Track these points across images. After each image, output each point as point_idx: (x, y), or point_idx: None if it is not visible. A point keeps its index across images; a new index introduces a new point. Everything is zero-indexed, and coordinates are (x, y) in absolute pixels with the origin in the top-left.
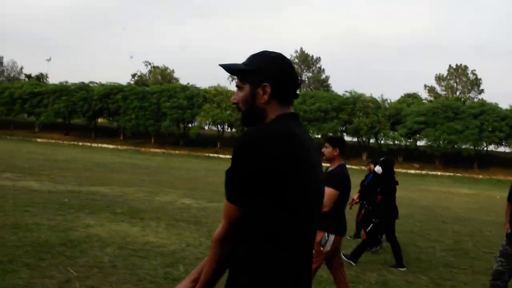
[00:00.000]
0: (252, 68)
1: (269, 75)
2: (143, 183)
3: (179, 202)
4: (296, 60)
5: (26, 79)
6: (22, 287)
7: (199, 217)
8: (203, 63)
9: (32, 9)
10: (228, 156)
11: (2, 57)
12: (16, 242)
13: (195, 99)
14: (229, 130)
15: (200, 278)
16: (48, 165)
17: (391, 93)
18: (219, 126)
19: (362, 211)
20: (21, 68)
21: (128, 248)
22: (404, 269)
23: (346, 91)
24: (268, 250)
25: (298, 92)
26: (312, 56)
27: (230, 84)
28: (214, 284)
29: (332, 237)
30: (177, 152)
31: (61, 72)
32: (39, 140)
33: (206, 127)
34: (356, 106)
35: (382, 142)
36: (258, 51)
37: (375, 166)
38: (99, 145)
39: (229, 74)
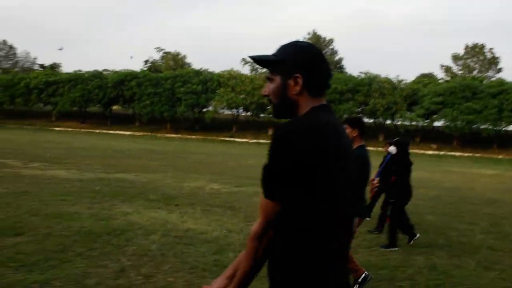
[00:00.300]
0: (282, 59)
1: (301, 65)
2: (167, 169)
3: (208, 187)
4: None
5: (40, 69)
6: (80, 277)
7: (232, 202)
8: (214, 47)
9: None
10: (244, 140)
11: (16, 48)
12: (62, 232)
13: (209, 84)
14: (244, 113)
15: (236, 275)
16: (71, 154)
17: (407, 74)
18: (233, 110)
19: (374, 190)
20: (35, 59)
21: (171, 235)
22: (396, 249)
23: (361, 72)
24: (301, 242)
25: (330, 83)
26: (325, 38)
27: (243, 67)
28: (250, 281)
29: (355, 219)
30: (193, 137)
31: (73, 61)
32: (56, 129)
33: (221, 111)
34: (371, 87)
35: (399, 123)
36: (288, 41)
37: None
38: (116, 132)
39: (258, 65)
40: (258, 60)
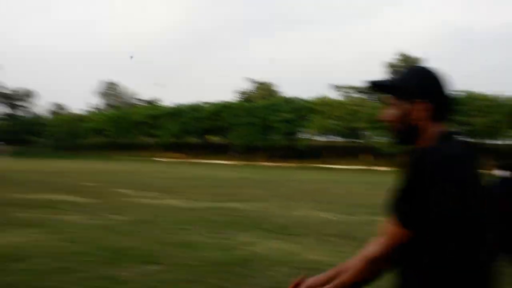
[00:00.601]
0: (406, 84)
1: (426, 91)
2: (271, 198)
3: (317, 215)
4: (400, 64)
5: (144, 104)
6: None
7: (345, 231)
8: (302, 73)
9: (138, 35)
10: (339, 166)
11: (122, 86)
12: (192, 261)
13: (300, 111)
14: (336, 139)
15: (337, 277)
16: (177, 183)
17: (506, 88)
18: (327, 136)
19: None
20: (135, 94)
21: (298, 267)
22: None
23: (459, 91)
24: (436, 279)
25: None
26: (414, 57)
27: (332, 93)
28: None
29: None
30: (288, 164)
31: (172, 95)
32: (158, 159)
33: (314, 138)
34: (471, 106)
35: (504, 143)
36: (410, 66)
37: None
38: (213, 161)
39: (379, 91)
40: (381, 85)
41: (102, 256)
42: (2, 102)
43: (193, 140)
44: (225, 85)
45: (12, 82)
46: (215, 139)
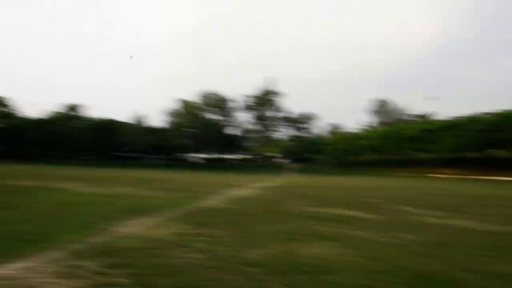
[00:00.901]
0: None
1: None
2: None
3: None
4: None
5: (412, 119)
6: None
7: None
8: None
9: (401, 52)
10: None
11: (388, 101)
12: None
13: None
14: None
15: None
16: (461, 202)
17: None
18: None
19: None
20: (406, 109)
21: None
22: None
23: None
24: None
25: None
26: None
27: None
28: None
29: None
30: None
31: (440, 107)
32: (433, 175)
33: None
34: None
35: None
36: None
37: None
38: (497, 178)
39: None
40: None
41: (403, 277)
42: (290, 126)
43: (472, 154)
44: (506, 92)
45: (297, 108)
46: (499, 152)
